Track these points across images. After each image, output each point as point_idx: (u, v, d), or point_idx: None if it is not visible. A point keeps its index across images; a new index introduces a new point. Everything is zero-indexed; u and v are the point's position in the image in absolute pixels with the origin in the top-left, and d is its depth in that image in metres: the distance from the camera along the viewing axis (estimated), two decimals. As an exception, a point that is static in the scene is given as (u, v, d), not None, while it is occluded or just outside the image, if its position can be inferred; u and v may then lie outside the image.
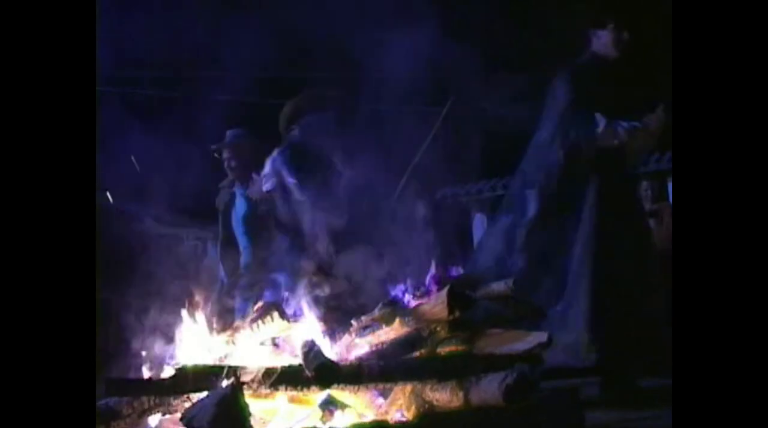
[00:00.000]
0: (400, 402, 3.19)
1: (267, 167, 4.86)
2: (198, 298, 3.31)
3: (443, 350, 3.29)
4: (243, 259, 5.63)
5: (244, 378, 2.80)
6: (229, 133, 5.80)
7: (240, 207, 5.71)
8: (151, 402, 2.82)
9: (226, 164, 5.74)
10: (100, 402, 2.81)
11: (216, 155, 5.84)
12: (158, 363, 3.15)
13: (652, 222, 7.24)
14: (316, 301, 3.41)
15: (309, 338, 3.09)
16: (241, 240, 5.69)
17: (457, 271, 3.65)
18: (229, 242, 5.80)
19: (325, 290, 3.77)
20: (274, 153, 4.84)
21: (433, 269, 3.58)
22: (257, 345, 3.24)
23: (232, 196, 5.80)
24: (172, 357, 3.13)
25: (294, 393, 2.96)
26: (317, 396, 3.01)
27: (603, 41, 4.66)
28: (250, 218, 5.59)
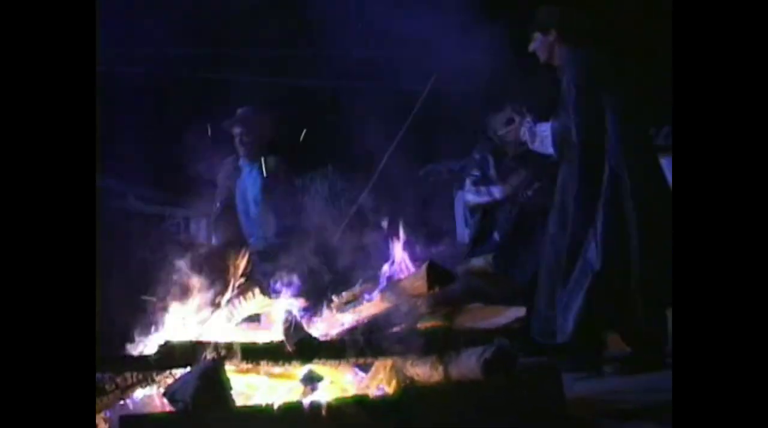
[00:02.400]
0: (381, 376, 3.22)
1: None
2: (182, 275, 3.33)
3: (423, 325, 3.32)
4: (257, 228, 5.79)
5: (226, 354, 2.82)
6: (240, 110, 5.96)
7: (251, 181, 5.88)
8: (135, 378, 2.84)
9: (238, 139, 5.88)
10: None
11: (228, 130, 5.96)
12: (142, 339, 3.17)
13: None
14: (299, 277, 3.43)
15: (290, 313, 3.12)
16: (253, 210, 5.85)
17: (438, 247, 3.68)
18: (224, 214, 5.95)
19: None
20: None
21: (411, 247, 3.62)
22: (239, 320, 3.27)
23: (238, 170, 5.95)
24: (155, 333, 3.15)
25: (276, 368, 2.98)
26: (299, 371, 3.04)
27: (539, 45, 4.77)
28: (265, 191, 5.78)
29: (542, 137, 4.61)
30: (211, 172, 6.04)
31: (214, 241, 6.01)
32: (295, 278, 3.41)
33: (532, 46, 4.80)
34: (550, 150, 4.57)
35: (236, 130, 5.91)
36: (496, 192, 5.36)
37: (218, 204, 6.04)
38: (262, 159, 5.86)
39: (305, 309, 3.34)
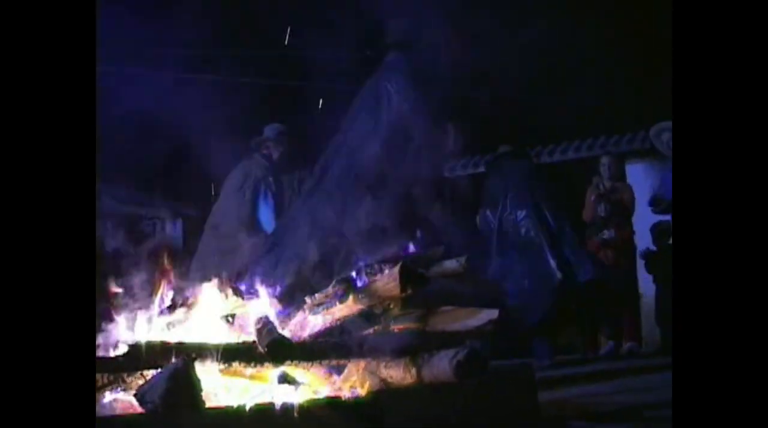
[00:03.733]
0: (354, 378, 3.22)
1: None
2: (157, 276, 3.31)
3: (396, 327, 3.32)
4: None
5: (197, 355, 2.80)
6: (268, 128, 6.45)
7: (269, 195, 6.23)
8: (105, 380, 2.81)
9: (266, 155, 6.34)
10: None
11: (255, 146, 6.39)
12: (112, 341, 3.14)
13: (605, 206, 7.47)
14: (270, 279, 3.42)
15: (263, 314, 3.10)
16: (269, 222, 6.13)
17: (413, 248, 3.69)
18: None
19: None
20: None
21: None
22: (211, 321, 3.25)
23: (265, 182, 6.28)
24: (125, 334, 3.12)
25: (248, 369, 2.97)
26: (271, 372, 3.03)
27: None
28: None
29: None
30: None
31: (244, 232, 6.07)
32: (269, 280, 3.41)
33: None
34: None
35: (264, 148, 6.36)
36: None
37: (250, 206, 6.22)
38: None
39: (279, 311, 3.33)
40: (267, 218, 6.15)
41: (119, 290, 3.25)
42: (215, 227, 6.18)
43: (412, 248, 3.70)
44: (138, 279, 3.21)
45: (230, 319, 3.25)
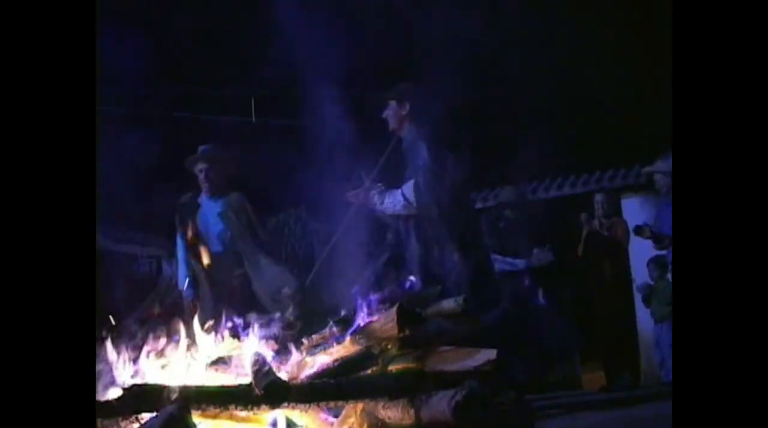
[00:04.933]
0: (352, 420, 3.19)
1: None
2: (152, 316, 3.29)
3: (394, 367, 3.30)
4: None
5: (193, 397, 2.78)
6: (202, 147, 6.09)
7: (212, 218, 5.96)
8: (100, 424, 2.78)
9: (203, 175, 6.00)
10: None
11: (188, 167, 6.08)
12: (107, 384, 3.11)
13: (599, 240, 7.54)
14: (267, 320, 3.40)
15: (259, 356, 3.08)
16: (218, 248, 5.88)
17: (409, 286, 3.68)
18: (191, 250, 5.93)
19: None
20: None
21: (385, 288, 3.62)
22: (207, 363, 3.23)
23: (197, 206, 6.02)
24: (120, 377, 3.09)
25: (244, 412, 2.94)
26: (268, 415, 3.00)
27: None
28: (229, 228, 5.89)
29: (393, 198, 5.13)
30: (169, 212, 6.11)
31: (180, 278, 5.97)
32: (265, 321, 3.39)
33: (385, 113, 5.29)
34: (398, 210, 5.12)
35: (200, 166, 6.01)
36: None
37: (179, 241, 6.04)
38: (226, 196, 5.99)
39: (275, 352, 3.30)
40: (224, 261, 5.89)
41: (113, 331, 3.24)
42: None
43: (409, 285, 3.69)
44: (133, 321, 3.19)
45: (226, 361, 3.22)
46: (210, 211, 5.97)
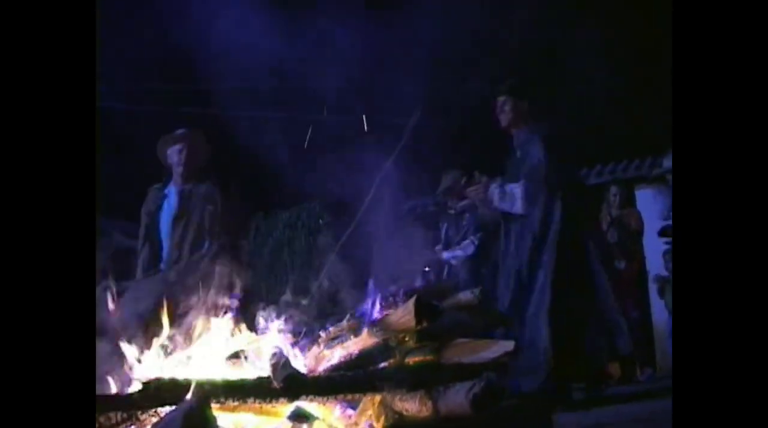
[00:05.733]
0: (369, 412, 3.19)
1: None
2: (168, 310, 3.30)
3: (411, 360, 3.30)
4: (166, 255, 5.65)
5: (212, 391, 2.79)
6: (179, 131, 5.89)
7: (171, 204, 5.75)
8: (119, 417, 2.79)
9: (177, 159, 5.79)
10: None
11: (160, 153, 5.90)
12: (125, 378, 3.13)
13: (614, 233, 7.49)
14: (285, 312, 3.41)
15: (277, 349, 3.09)
16: (167, 239, 5.69)
17: (424, 281, 3.68)
18: (145, 246, 5.76)
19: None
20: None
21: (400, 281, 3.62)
22: (225, 357, 3.24)
23: (163, 197, 5.82)
24: (139, 372, 3.11)
25: (262, 405, 2.95)
26: (286, 408, 3.01)
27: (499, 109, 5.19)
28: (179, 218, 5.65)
29: (512, 195, 5.02)
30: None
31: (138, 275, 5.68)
32: (283, 314, 3.40)
33: (498, 111, 5.19)
34: (517, 208, 5.00)
35: (176, 148, 5.82)
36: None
37: (141, 240, 5.81)
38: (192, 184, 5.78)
39: (292, 345, 3.31)
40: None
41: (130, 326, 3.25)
42: None
43: (424, 280, 3.70)
44: (152, 315, 3.21)
45: (244, 354, 3.23)
46: (173, 197, 5.76)
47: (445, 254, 6.45)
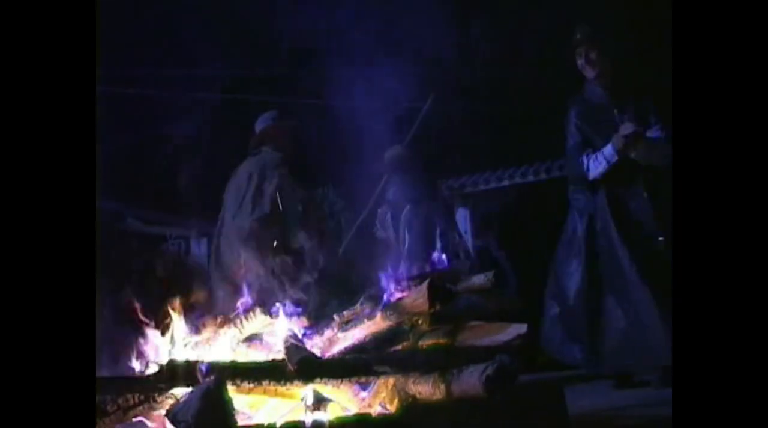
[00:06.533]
0: (383, 395, 3.22)
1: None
2: (184, 295, 3.33)
3: (425, 343, 3.32)
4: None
5: (228, 373, 2.82)
6: (267, 114, 5.55)
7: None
8: (137, 399, 2.83)
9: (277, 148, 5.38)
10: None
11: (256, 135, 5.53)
12: (143, 360, 3.16)
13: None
14: (299, 298, 3.43)
15: (291, 332, 3.11)
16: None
17: (439, 264, 3.69)
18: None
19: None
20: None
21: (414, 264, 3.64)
22: (241, 340, 3.27)
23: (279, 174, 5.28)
24: (156, 354, 3.14)
25: (277, 387, 2.98)
26: (300, 390, 3.04)
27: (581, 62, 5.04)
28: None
29: (596, 162, 4.88)
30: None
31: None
32: (296, 297, 3.42)
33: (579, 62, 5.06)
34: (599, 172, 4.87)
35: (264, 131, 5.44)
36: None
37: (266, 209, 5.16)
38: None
39: (307, 328, 3.33)
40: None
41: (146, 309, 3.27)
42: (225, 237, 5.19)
43: (438, 262, 3.70)
44: (167, 299, 3.23)
45: (259, 338, 3.26)
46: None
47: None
